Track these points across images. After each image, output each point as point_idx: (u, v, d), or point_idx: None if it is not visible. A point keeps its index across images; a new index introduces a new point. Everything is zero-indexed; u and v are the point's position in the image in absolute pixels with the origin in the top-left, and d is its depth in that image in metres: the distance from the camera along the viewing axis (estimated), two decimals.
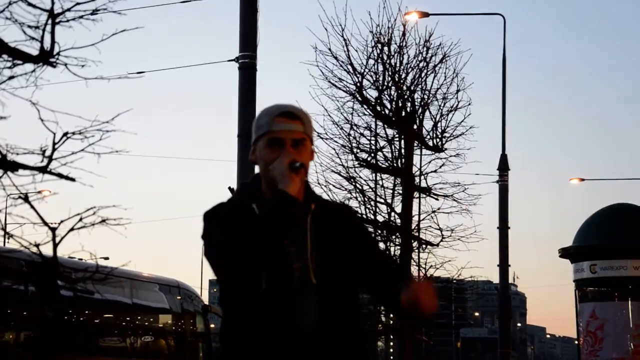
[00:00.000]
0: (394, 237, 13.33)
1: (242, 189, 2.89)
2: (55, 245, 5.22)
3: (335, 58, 13.05)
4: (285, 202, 2.64)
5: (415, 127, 13.26)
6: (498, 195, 17.50)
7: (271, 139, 2.75)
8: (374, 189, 13.39)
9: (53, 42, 4.65)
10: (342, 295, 2.75)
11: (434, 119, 13.36)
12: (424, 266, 13.45)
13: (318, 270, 2.70)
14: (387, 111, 13.20)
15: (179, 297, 15.00)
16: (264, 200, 2.72)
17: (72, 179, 4.99)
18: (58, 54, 4.69)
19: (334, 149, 13.25)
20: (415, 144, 13.30)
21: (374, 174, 13.44)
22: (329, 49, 13.02)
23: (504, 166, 17.70)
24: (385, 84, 13.16)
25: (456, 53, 13.41)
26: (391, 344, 34.16)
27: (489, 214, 16.95)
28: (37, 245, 5.23)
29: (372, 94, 13.27)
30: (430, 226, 13.42)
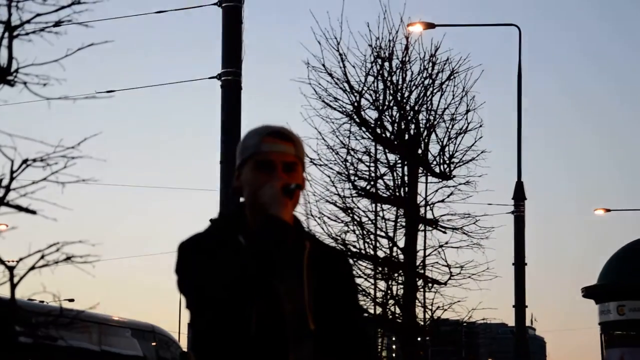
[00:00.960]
0: (396, 275, 13.31)
1: (222, 221, 2.87)
2: (13, 286, 5.18)
3: (330, 75, 13.12)
4: (277, 228, 2.60)
5: (419, 151, 13.29)
6: (513, 227, 17.46)
7: (260, 161, 2.73)
8: (373, 221, 13.39)
9: (11, 57, 4.65)
10: (341, 343, 2.73)
11: (440, 143, 13.40)
12: (430, 307, 13.44)
13: (316, 315, 2.68)
14: (388, 134, 13.23)
15: (154, 344, 14.92)
16: (250, 232, 2.67)
17: (33, 212, 4.97)
18: (16, 71, 4.69)
19: (328, 176, 13.29)
20: (420, 171, 13.32)
21: (373, 205, 13.45)
22: (323, 65, 13.11)
23: (519, 195, 17.69)
24: (386, 103, 13.21)
25: (465, 69, 13.52)
26: None
27: (503, 248, 16.97)
28: None
29: (371, 114, 13.33)
30: (437, 262, 13.43)
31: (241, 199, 2.84)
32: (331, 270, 2.78)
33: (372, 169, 13.41)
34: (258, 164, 2.73)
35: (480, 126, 13.52)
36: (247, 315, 2.58)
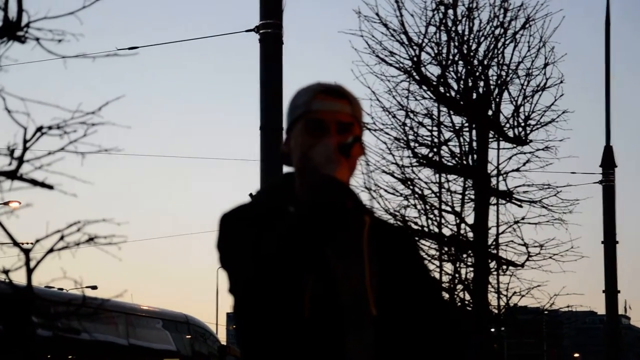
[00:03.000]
0: (465, 255, 13.30)
1: (270, 190, 2.91)
2: (29, 272, 5.26)
3: (385, 26, 13.07)
4: (333, 189, 2.58)
5: (490, 113, 13.23)
6: (602, 199, 17.42)
7: (311, 121, 2.76)
8: (437, 194, 13.36)
9: (20, 10, 4.69)
10: (407, 331, 2.76)
11: (514, 102, 13.32)
12: (505, 293, 13.40)
13: (379, 299, 2.71)
14: (453, 93, 13.18)
15: (188, 336, 15.12)
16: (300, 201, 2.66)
17: (50, 187, 5.02)
18: (27, 25, 4.72)
19: (385, 143, 13.26)
20: (491, 135, 13.27)
21: (437, 175, 13.42)
22: (377, 14, 13.04)
23: (608, 162, 17.61)
24: (451, 57, 13.15)
25: (543, 15, 13.35)
26: None
27: (590, 224, 16.91)
28: (6, 272, 5.28)
29: (433, 71, 13.26)
30: (512, 241, 13.37)
31: (286, 170, 2.87)
32: (394, 249, 2.81)
33: (435, 133, 13.36)
34: (309, 125, 2.76)
35: (561, 82, 13.40)
36: (299, 295, 2.59)
